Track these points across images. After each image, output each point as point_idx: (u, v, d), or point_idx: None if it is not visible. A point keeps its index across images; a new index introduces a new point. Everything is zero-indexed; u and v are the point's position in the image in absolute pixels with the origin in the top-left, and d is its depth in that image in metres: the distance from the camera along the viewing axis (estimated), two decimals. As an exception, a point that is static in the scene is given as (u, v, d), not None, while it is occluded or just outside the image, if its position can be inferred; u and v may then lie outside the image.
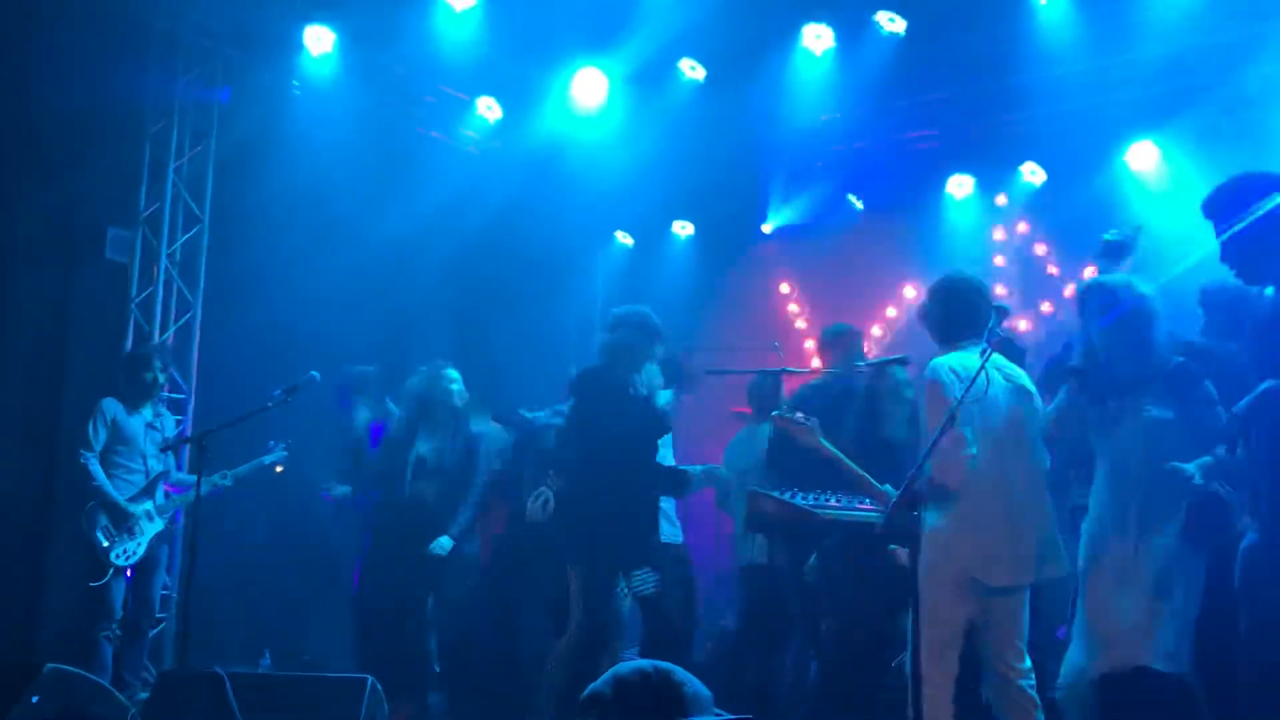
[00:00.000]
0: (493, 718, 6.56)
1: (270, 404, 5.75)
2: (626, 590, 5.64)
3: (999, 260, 9.26)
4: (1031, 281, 9.10)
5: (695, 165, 9.12)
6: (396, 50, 8.30)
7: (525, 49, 8.09)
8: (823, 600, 5.66)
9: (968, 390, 4.05)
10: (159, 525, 6.64)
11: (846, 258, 9.41)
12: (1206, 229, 4.21)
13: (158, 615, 7.16)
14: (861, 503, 4.61)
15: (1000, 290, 8.69)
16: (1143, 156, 8.29)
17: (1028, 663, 4.32)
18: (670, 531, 6.24)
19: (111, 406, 6.60)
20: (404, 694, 6.10)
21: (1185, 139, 7.83)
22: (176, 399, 7.86)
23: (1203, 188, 4.29)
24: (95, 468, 6.47)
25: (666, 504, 6.16)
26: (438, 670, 6.85)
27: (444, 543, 6.51)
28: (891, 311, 9.75)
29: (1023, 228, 9.30)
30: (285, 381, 5.87)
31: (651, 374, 5.62)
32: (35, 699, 4.57)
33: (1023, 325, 8.62)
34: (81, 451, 6.49)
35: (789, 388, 6.59)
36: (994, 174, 9.14)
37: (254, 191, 8.09)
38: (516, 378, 8.73)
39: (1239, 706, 3.99)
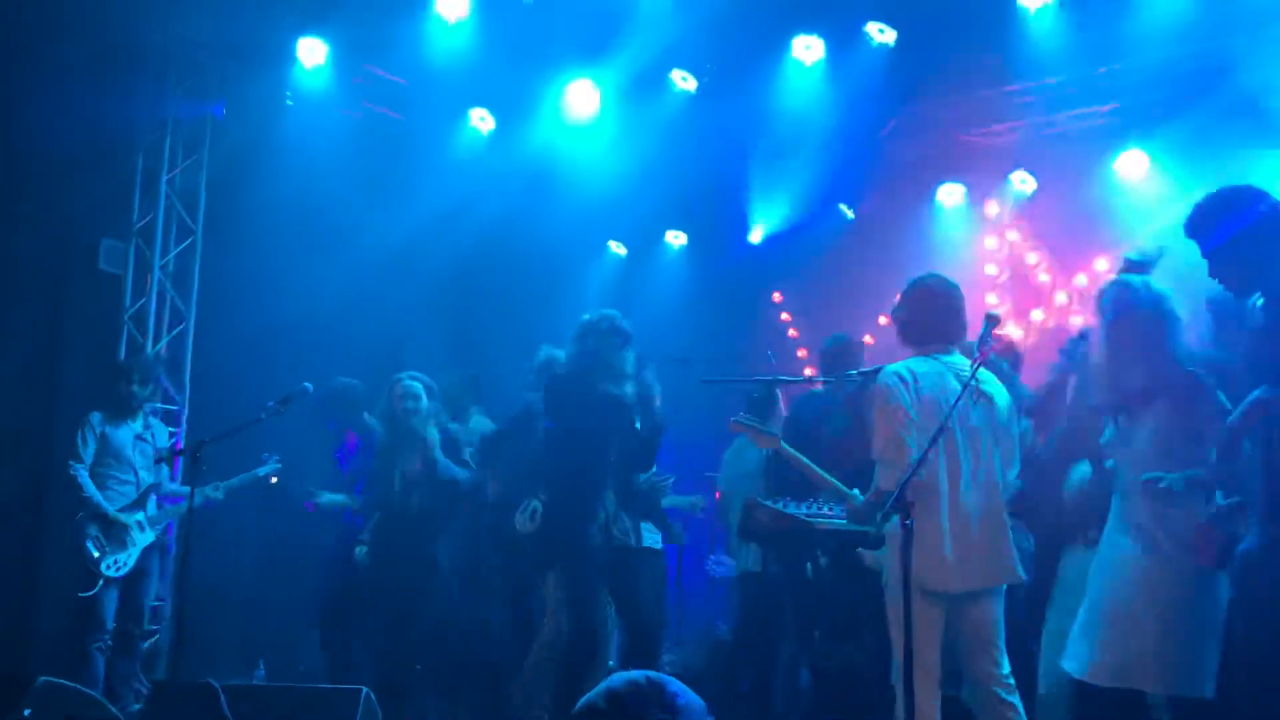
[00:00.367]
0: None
1: (264, 415, 5.76)
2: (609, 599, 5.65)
3: (990, 269, 9.29)
4: (1022, 290, 9.12)
5: (688, 175, 9.14)
6: (389, 62, 8.31)
7: (518, 60, 8.08)
8: (816, 608, 5.68)
9: (916, 396, 4.09)
10: (150, 536, 6.64)
11: (838, 267, 9.44)
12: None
13: (151, 626, 7.16)
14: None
15: (992, 299, 8.75)
16: (1132, 165, 8.32)
17: (1006, 668, 4.24)
18: (651, 538, 6.24)
19: (100, 419, 6.63)
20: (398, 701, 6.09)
21: (1175, 148, 7.85)
22: (170, 410, 7.86)
23: (1192, 196, 4.25)
24: (85, 479, 6.49)
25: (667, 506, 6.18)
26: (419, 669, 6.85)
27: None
28: (883, 320, 9.74)
29: (1013, 236, 9.33)
30: (278, 392, 5.87)
31: (647, 378, 5.60)
32: (28, 711, 4.58)
33: (1014, 333, 8.63)
34: (71, 463, 6.52)
35: (785, 397, 6.62)
36: (984, 183, 9.17)
37: (247, 203, 8.12)
38: (510, 389, 8.70)
39: (1237, 713, 3.96)
